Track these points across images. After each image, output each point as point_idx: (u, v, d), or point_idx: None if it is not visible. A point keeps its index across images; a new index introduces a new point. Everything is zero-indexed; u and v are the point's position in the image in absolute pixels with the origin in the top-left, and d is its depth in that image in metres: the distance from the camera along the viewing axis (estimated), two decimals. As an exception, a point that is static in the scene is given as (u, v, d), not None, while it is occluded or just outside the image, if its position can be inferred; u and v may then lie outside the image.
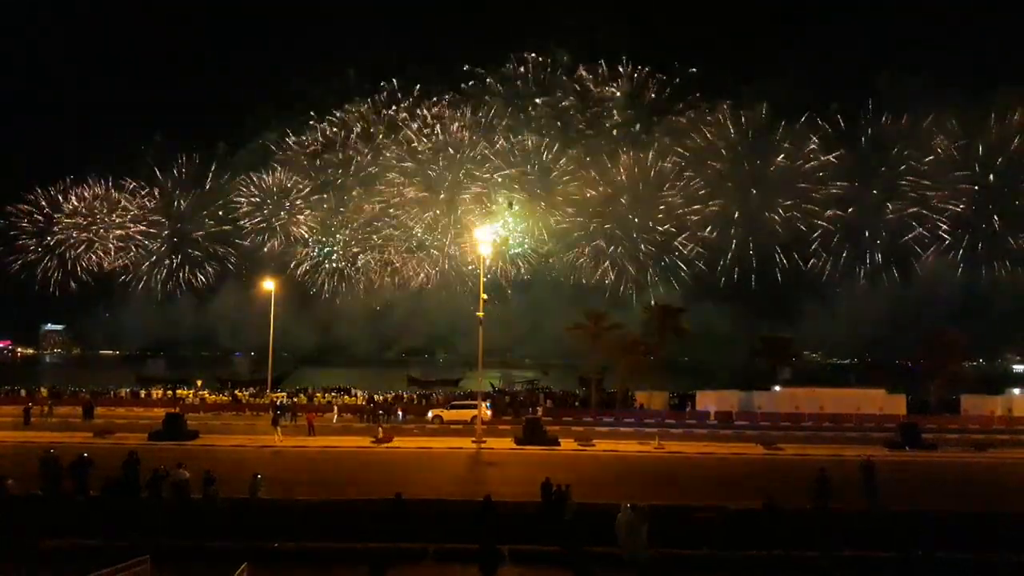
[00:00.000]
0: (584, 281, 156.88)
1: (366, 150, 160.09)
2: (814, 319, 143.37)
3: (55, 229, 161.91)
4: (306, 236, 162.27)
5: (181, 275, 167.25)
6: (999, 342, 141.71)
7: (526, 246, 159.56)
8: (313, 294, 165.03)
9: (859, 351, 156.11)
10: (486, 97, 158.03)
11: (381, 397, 65.96)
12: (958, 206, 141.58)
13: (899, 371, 69.68)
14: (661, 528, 19.34)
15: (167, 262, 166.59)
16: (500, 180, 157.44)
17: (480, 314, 44.55)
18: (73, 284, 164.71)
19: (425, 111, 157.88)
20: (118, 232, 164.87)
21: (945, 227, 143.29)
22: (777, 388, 63.18)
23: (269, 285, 65.10)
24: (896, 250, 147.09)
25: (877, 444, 41.37)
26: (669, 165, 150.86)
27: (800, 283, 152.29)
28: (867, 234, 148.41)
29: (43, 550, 19.73)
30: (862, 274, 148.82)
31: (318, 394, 68.08)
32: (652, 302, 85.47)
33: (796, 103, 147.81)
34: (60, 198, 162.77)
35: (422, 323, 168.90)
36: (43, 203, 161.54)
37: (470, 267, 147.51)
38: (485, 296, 45.73)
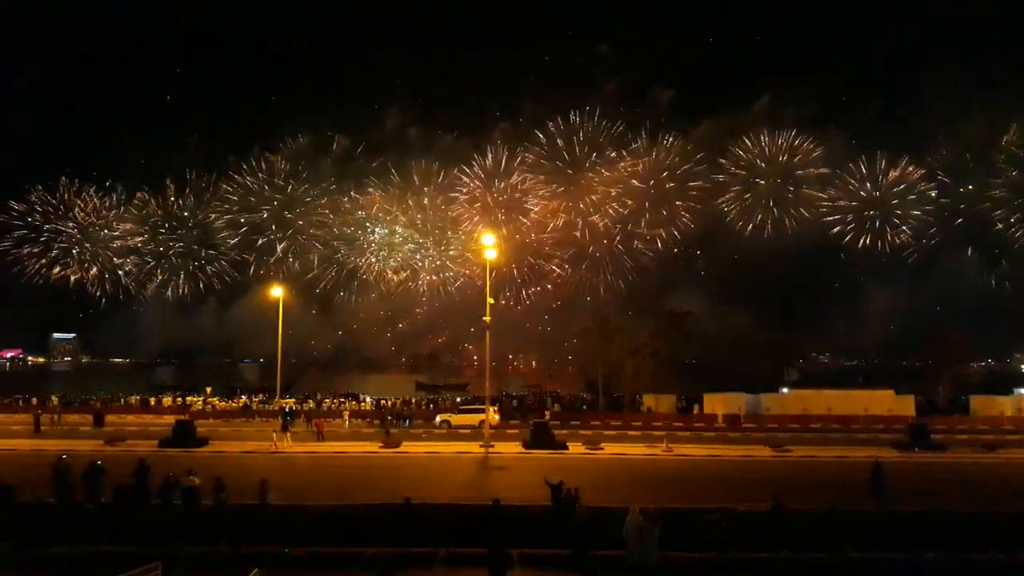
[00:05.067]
0: (601, 289, 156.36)
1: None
2: (833, 321, 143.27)
3: (61, 233, 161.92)
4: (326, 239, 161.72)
5: (199, 283, 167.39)
6: (1010, 342, 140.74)
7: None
8: (324, 299, 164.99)
9: (868, 353, 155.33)
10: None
11: (389, 402, 66.20)
12: (978, 206, 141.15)
13: (907, 373, 69.42)
14: (669, 531, 19.37)
15: (179, 270, 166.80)
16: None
17: (487, 318, 44.65)
18: (91, 291, 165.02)
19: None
20: (128, 240, 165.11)
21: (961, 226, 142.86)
22: (785, 390, 63.10)
23: (277, 292, 65.41)
24: (913, 250, 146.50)
25: (886, 445, 41.27)
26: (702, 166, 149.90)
27: (819, 285, 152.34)
28: (883, 233, 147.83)
29: (55, 557, 19.90)
30: (879, 274, 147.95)
31: (327, 400, 68.36)
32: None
33: (819, 105, 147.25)
34: (64, 202, 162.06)
35: (430, 329, 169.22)
36: (46, 207, 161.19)
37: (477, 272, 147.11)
38: (491, 301, 45.83)
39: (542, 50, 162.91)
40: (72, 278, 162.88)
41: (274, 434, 41.30)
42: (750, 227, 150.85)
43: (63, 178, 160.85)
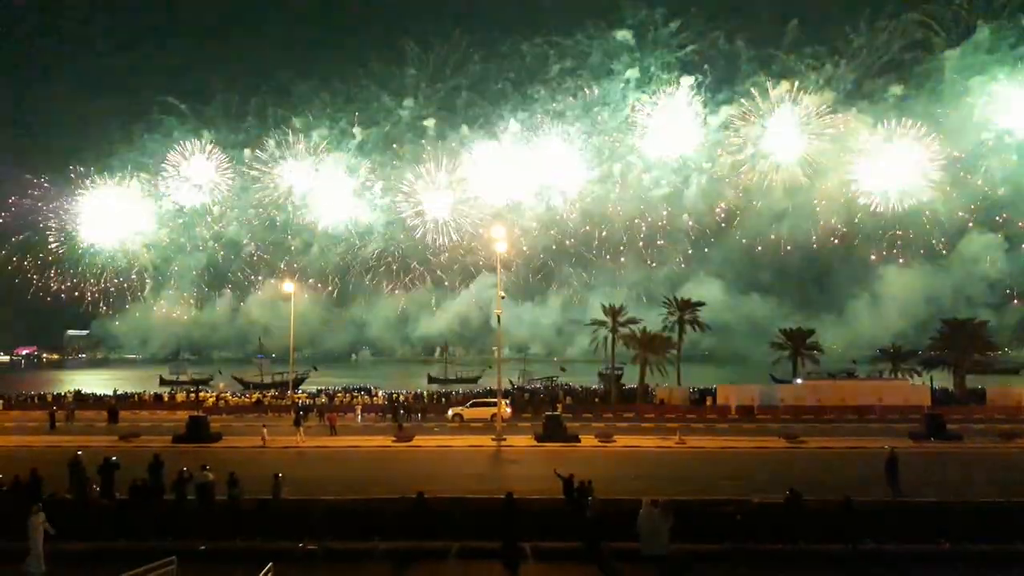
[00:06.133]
0: (615, 280, 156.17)
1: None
2: (849, 310, 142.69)
3: (74, 238, 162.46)
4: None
5: (222, 279, 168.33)
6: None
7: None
8: (339, 294, 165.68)
9: (883, 342, 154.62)
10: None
11: (402, 396, 66.30)
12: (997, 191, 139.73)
13: (923, 362, 68.81)
14: (683, 523, 19.26)
15: (194, 265, 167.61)
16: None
17: (498, 311, 44.58)
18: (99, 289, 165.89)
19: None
20: (143, 234, 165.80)
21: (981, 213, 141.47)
22: (799, 380, 62.74)
23: (289, 287, 65.77)
24: (932, 236, 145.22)
25: (901, 435, 40.91)
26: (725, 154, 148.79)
27: (836, 274, 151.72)
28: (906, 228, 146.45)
29: (72, 553, 19.99)
30: (900, 262, 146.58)
31: (339, 394, 68.57)
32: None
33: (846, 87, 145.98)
34: (74, 194, 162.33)
35: (440, 321, 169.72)
36: (54, 200, 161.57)
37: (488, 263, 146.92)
38: (503, 295, 45.74)
39: (555, 39, 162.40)
40: (83, 284, 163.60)
41: (264, 429, 40.73)
42: (769, 219, 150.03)
43: (76, 166, 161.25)
